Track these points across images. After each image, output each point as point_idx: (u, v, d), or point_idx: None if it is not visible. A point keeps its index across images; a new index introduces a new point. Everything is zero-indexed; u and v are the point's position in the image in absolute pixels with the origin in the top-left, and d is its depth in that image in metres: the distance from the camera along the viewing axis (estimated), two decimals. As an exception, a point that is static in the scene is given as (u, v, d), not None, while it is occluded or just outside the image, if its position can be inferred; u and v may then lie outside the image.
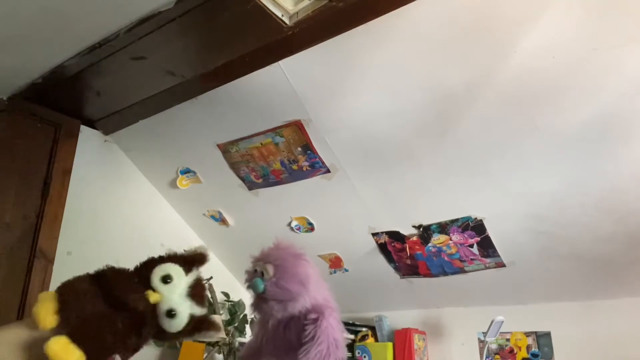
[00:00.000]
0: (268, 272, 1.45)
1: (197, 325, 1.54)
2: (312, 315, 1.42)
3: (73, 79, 2.01)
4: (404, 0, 1.52)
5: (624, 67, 1.52)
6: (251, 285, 1.48)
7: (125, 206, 2.58)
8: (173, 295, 1.47)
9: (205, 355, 2.53)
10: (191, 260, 1.57)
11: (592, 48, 1.50)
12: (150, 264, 1.52)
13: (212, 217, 2.73)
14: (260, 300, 1.49)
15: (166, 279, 1.47)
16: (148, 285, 1.46)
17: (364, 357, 2.57)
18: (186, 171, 2.56)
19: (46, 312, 1.31)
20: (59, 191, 2.20)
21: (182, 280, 1.50)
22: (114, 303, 1.41)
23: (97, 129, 2.48)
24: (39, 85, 2.04)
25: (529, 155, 1.84)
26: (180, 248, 2.67)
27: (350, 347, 2.64)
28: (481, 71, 1.67)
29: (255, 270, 1.50)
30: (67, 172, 2.25)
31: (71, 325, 1.32)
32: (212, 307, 2.66)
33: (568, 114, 1.68)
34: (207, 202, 2.68)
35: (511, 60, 1.60)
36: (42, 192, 2.15)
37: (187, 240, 2.83)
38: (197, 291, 1.54)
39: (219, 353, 2.58)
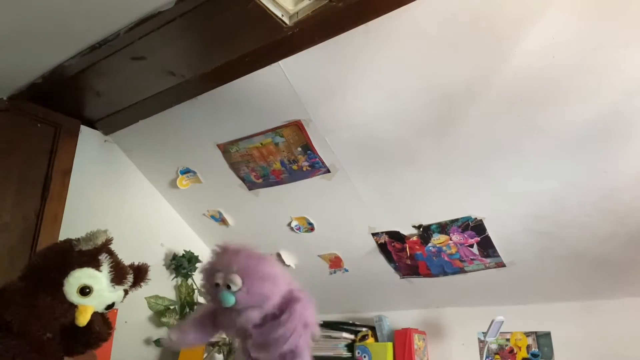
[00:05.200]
0: (236, 283, 1.36)
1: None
2: (284, 304, 1.41)
3: (73, 79, 2.01)
4: (404, 0, 1.52)
5: (624, 67, 1.52)
6: (219, 301, 1.39)
7: (125, 206, 2.58)
8: (101, 297, 1.34)
9: (205, 355, 2.53)
10: (95, 253, 1.36)
11: (592, 48, 1.50)
12: (55, 272, 1.31)
13: (212, 217, 2.73)
14: (231, 314, 1.41)
15: (85, 291, 1.30)
16: (60, 295, 1.28)
17: (364, 357, 2.57)
18: (186, 171, 2.56)
19: None
20: (59, 191, 2.20)
21: (101, 281, 1.34)
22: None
23: (97, 129, 2.49)
24: (39, 85, 2.04)
25: (529, 155, 1.84)
26: (180, 248, 2.74)
27: (350, 347, 2.64)
28: (481, 71, 1.66)
29: (217, 284, 1.39)
30: (67, 172, 2.25)
31: None
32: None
33: (568, 114, 1.68)
34: (207, 202, 2.68)
35: (511, 60, 1.60)
36: (42, 192, 2.15)
37: (187, 240, 2.83)
38: (118, 273, 1.38)
39: (219, 353, 2.58)
